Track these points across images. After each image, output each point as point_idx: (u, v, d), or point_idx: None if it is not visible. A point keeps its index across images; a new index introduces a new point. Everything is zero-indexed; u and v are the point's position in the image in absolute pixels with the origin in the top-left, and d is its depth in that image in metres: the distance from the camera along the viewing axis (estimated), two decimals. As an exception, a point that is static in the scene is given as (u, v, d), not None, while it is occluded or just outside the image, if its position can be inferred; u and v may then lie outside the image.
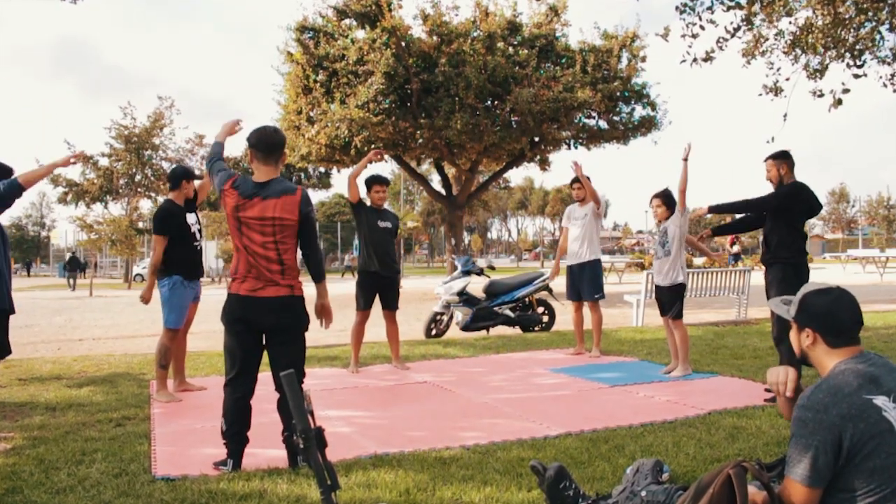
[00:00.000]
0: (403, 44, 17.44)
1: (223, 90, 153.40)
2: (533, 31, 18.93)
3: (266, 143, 3.61)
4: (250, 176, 3.66)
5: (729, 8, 9.25)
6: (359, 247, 6.73)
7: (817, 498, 2.06)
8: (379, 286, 6.54)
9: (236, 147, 49.31)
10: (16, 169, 4.95)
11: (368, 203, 6.55)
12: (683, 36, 9.43)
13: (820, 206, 5.35)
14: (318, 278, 3.74)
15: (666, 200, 6.16)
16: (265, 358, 3.69)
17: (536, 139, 19.46)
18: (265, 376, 3.68)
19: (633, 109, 19.97)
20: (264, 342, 3.65)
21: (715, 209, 5.47)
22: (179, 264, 5.36)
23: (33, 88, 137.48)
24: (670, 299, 6.14)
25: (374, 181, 6.57)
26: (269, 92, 36.10)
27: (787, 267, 5.16)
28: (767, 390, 5.28)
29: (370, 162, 6.63)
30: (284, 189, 3.56)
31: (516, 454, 3.71)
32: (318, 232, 3.82)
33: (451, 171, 23.24)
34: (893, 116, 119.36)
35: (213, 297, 11.50)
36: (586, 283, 7.16)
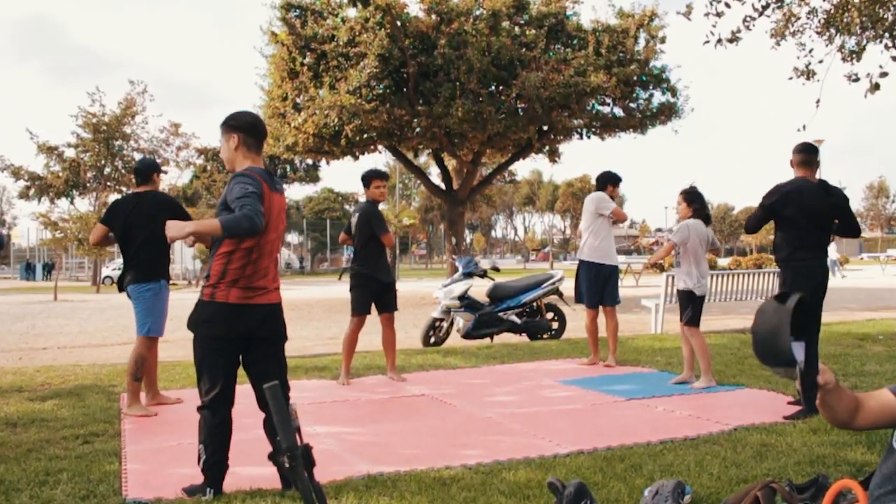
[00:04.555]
0: (399, 23, 17.43)
1: (201, 74, 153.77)
2: (541, 10, 18.92)
3: (261, 128, 3.61)
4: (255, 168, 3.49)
5: (757, -16, 9.25)
6: (354, 248, 6.75)
7: None
8: (378, 289, 6.56)
9: (216, 139, 49.16)
10: None
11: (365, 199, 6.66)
12: (707, 14, 9.42)
13: (824, 205, 5.15)
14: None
15: (688, 198, 6.17)
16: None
17: (545, 128, 19.47)
18: (243, 388, 3.67)
19: (651, 95, 19.96)
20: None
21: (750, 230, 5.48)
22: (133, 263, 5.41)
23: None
24: (682, 303, 6.21)
25: (375, 175, 6.54)
26: (252, 76, 36.35)
27: (785, 271, 5.29)
28: (791, 403, 5.28)
29: None
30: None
31: (523, 474, 3.72)
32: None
33: (451, 163, 23.25)
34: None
35: (189, 301, 11.47)
36: (608, 287, 7.26)
